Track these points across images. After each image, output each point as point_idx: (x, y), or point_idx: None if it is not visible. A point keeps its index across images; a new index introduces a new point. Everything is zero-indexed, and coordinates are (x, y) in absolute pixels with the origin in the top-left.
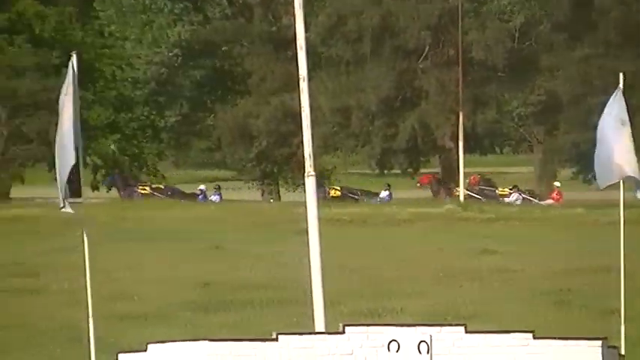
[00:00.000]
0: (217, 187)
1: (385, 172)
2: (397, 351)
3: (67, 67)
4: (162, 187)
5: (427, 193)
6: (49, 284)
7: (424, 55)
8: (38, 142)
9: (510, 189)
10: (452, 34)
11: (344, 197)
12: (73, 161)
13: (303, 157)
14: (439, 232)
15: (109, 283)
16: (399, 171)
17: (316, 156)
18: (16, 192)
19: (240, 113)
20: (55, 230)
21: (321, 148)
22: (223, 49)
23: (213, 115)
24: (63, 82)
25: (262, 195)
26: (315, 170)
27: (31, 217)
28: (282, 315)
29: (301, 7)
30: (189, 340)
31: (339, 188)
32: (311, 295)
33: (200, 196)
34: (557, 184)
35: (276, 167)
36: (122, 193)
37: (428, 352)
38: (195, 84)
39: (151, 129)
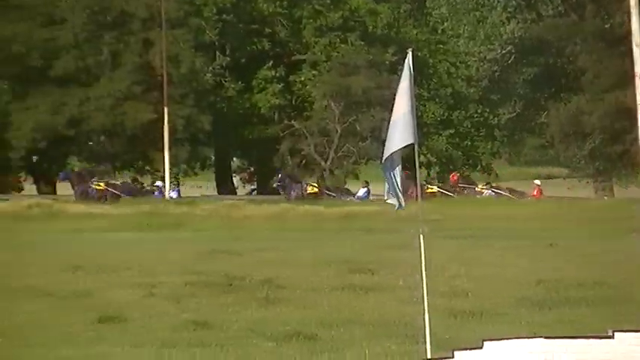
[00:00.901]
0: (177, 182)
1: None
2: None
3: (400, 64)
4: (118, 184)
5: None
6: (383, 281)
7: None
8: (372, 139)
9: (484, 185)
10: None
11: (322, 195)
12: (399, 163)
13: (637, 153)
14: None
15: (442, 279)
16: None
17: None
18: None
19: (573, 110)
20: (389, 227)
21: None
22: (556, 46)
23: (546, 112)
24: (396, 79)
25: (595, 192)
26: None
27: (366, 214)
28: (616, 313)
29: (637, 5)
30: (525, 338)
31: (316, 186)
32: None
33: (156, 193)
34: (537, 182)
35: (610, 164)
36: (76, 189)
37: None
38: (527, 82)
39: (484, 127)
